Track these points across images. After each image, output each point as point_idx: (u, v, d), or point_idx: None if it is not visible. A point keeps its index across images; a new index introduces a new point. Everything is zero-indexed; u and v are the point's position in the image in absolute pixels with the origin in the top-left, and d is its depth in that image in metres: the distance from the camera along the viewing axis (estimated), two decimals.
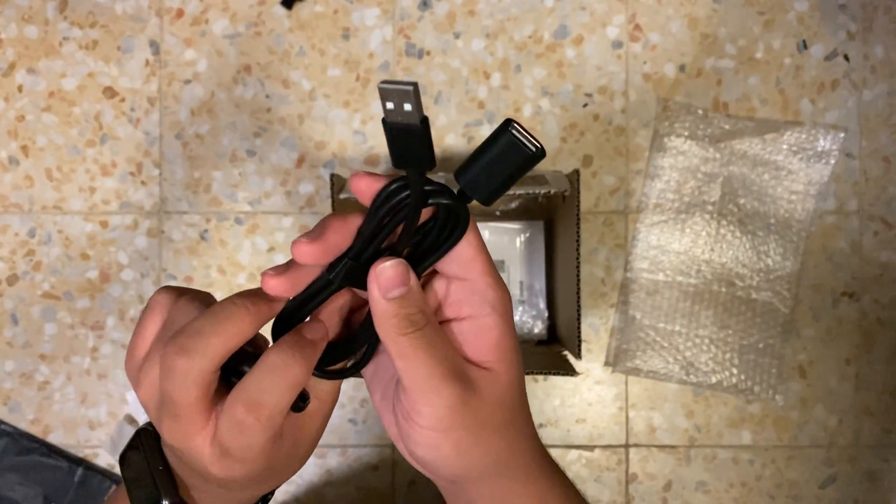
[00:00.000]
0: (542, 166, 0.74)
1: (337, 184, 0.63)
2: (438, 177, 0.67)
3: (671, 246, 0.74)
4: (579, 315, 0.61)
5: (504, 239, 0.70)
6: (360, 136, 0.74)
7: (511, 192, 0.63)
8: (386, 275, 0.29)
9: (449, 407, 0.29)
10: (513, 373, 0.31)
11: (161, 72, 0.76)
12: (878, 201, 0.74)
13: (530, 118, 0.75)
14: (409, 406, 0.30)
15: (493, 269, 0.31)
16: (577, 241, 0.61)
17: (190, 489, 0.34)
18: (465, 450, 0.30)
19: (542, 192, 0.62)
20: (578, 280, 0.61)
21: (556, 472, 0.36)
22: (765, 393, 0.73)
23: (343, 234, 0.29)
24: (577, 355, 0.62)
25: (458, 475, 0.32)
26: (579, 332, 0.61)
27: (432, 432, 0.30)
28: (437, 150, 0.74)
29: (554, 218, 0.70)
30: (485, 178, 0.30)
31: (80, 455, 0.75)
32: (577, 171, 0.61)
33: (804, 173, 0.73)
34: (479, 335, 0.31)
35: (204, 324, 0.28)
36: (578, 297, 0.61)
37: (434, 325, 0.30)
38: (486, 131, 0.75)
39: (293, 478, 0.76)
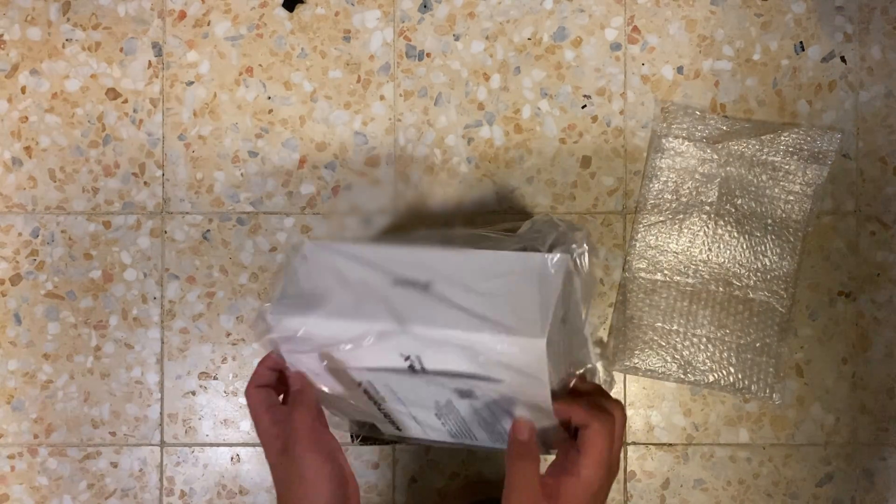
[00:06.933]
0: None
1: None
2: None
3: (669, 246, 0.74)
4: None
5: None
6: (361, 138, 0.75)
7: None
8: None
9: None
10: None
11: (163, 73, 0.76)
12: (875, 202, 0.75)
13: (529, 119, 0.75)
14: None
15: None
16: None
17: None
18: None
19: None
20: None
21: None
22: (762, 392, 0.73)
23: None
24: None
25: None
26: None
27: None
28: (437, 151, 0.74)
29: None
30: None
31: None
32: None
33: (801, 174, 0.74)
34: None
35: None
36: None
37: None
38: (485, 133, 0.75)
39: None
